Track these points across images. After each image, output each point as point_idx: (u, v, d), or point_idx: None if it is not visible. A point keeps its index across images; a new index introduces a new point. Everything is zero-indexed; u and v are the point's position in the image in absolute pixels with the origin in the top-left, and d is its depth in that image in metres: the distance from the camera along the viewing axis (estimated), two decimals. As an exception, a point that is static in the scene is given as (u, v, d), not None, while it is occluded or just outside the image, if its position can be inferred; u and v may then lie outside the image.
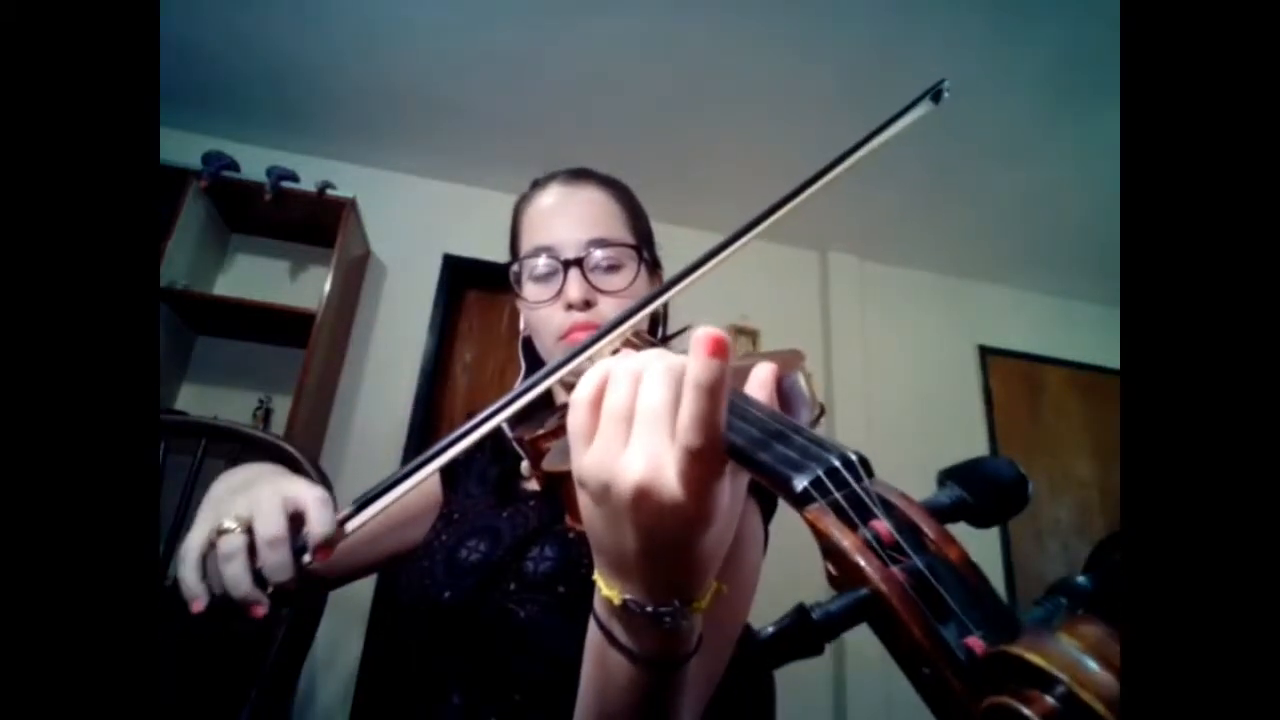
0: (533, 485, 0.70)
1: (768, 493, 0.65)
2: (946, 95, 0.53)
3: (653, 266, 0.74)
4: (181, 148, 2.22)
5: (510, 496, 0.70)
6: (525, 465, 0.69)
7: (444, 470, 0.77)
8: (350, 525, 0.41)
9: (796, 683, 2.17)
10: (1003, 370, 3.05)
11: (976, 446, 2.88)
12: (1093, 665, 0.16)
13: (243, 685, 0.82)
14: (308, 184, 2.25)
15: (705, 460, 0.29)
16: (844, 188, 2.87)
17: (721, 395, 0.28)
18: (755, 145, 2.38)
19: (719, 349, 0.28)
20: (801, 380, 0.38)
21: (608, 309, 0.66)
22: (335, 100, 2.29)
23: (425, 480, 0.41)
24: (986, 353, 3.06)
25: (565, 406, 0.60)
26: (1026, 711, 0.16)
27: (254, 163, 2.25)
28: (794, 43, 1.93)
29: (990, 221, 2.72)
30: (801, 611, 0.21)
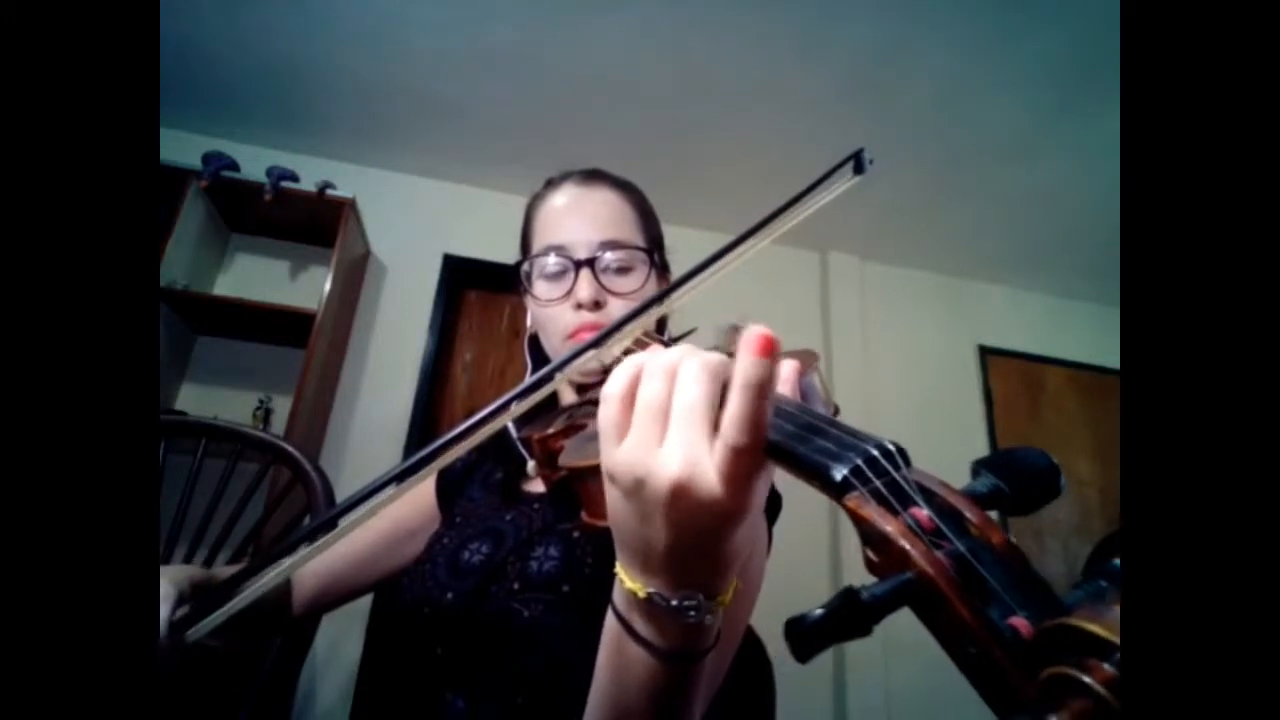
0: (537, 487, 0.70)
1: (771, 498, 0.65)
2: (871, 164, 0.52)
3: (663, 270, 0.74)
4: (181, 148, 2.23)
5: (514, 498, 0.70)
6: (531, 466, 0.69)
7: (440, 482, 0.78)
8: (190, 632, 0.39)
9: (796, 683, 2.17)
10: (1003, 370, 3.05)
11: (976, 446, 2.88)
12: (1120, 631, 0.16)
13: (242, 686, 0.82)
14: (308, 184, 2.25)
15: (748, 457, 0.29)
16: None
17: (769, 395, 0.28)
18: (755, 145, 2.38)
19: (769, 348, 0.28)
20: (817, 379, 0.38)
21: (616, 310, 0.66)
22: (335, 100, 2.29)
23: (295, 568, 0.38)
24: (986, 353, 3.06)
25: (573, 406, 0.60)
26: (1087, 680, 0.16)
27: (254, 163, 2.25)
28: (794, 42, 1.93)
29: (990, 221, 2.72)
30: (850, 593, 0.21)
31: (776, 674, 0.78)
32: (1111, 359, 3.19)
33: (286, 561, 0.37)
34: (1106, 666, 0.16)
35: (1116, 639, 0.16)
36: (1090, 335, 3.21)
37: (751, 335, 0.28)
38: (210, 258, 2.37)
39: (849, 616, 0.21)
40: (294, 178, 2.25)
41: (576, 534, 0.61)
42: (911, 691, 2.33)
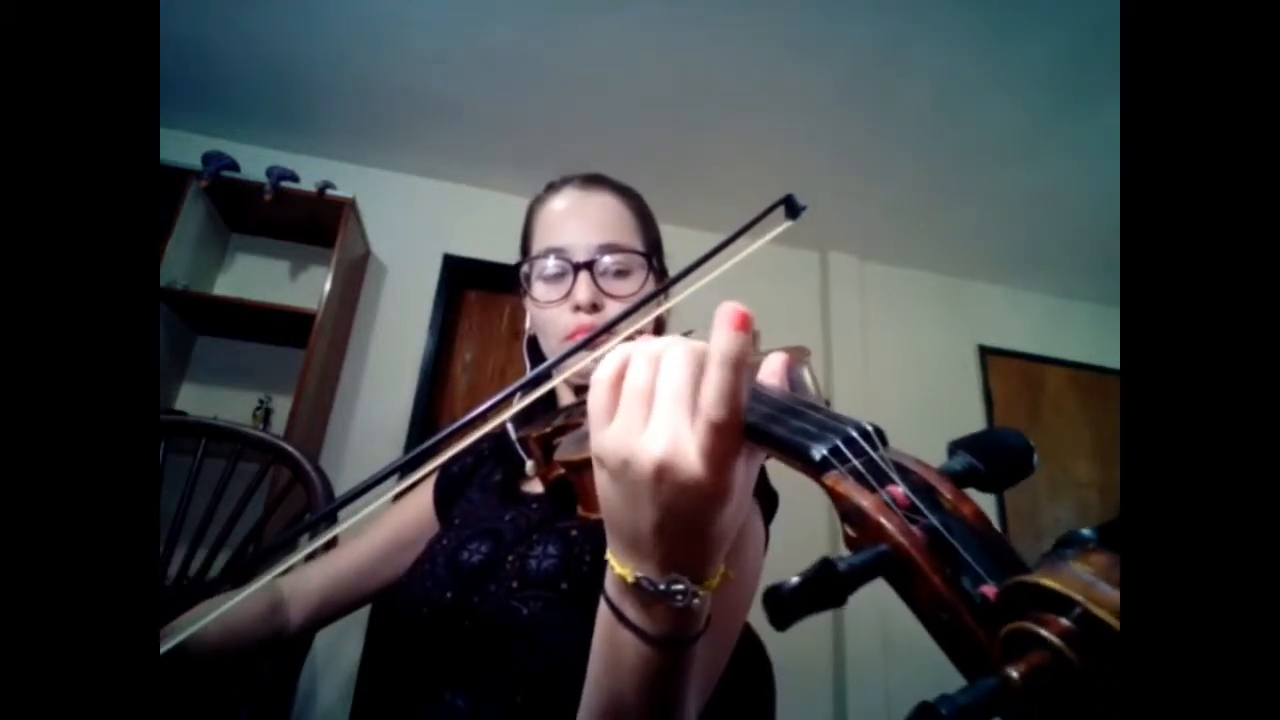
0: (536, 488, 0.70)
1: (767, 497, 0.65)
2: (804, 209, 0.52)
3: (661, 275, 0.75)
4: (181, 148, 2.22)
5: (513, 499, 0.70)
6: (530, 466, 0.69)
7: (438, 490, 0.79)
8: None
9: (796, 682, 2.16)
10: (1003, 370, 3.05)
11: (976, 446, 2.88)
12: (1106, 587, 0.17)
13: (242, 686, 0.82)
14: (308, 184, 2.25)
15: (726, 435, 0.29)
16: (845, 187, 2.83)
17: (745, 368, 0.29)
18: (755, 145, 2.38)
19: (744, 323, 0.29)
20: (808, 374, 0.38)
21: (614, 313, 0.67)
22: (335, 100, 2.29)
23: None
24: (986, 353, 3.06)
25: (570, 406, 0.60)
26: (1044, 633, 0.17)
27: (254, 163, 2.25)
28: (794, 42, 1.93)
29: (990, 221, 2.72)
30: (827, 563, 0.22)
31: (776, 674, 0.78)
32: (1111, 359, 3.19)
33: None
34: (1063, 620, 0.17)
35: (1071, 593, 0.17)
36: (1090, 335, 3.21)
37: (726, 310, 0.29)
38: (210, 258, 2.37)
39: (825, 585, 0.22)
40: (294, 178, 2.25)
41: (574, 532, 0.61)
42: (911, 691, 2.33)
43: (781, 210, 0.52)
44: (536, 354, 0.75)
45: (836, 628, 2.45)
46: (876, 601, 2.43)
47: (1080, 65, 1.93)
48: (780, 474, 0.68)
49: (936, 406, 2.88)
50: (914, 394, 2.88)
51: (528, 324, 0.75)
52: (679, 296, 0.52)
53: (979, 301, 3.16)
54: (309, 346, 2.06)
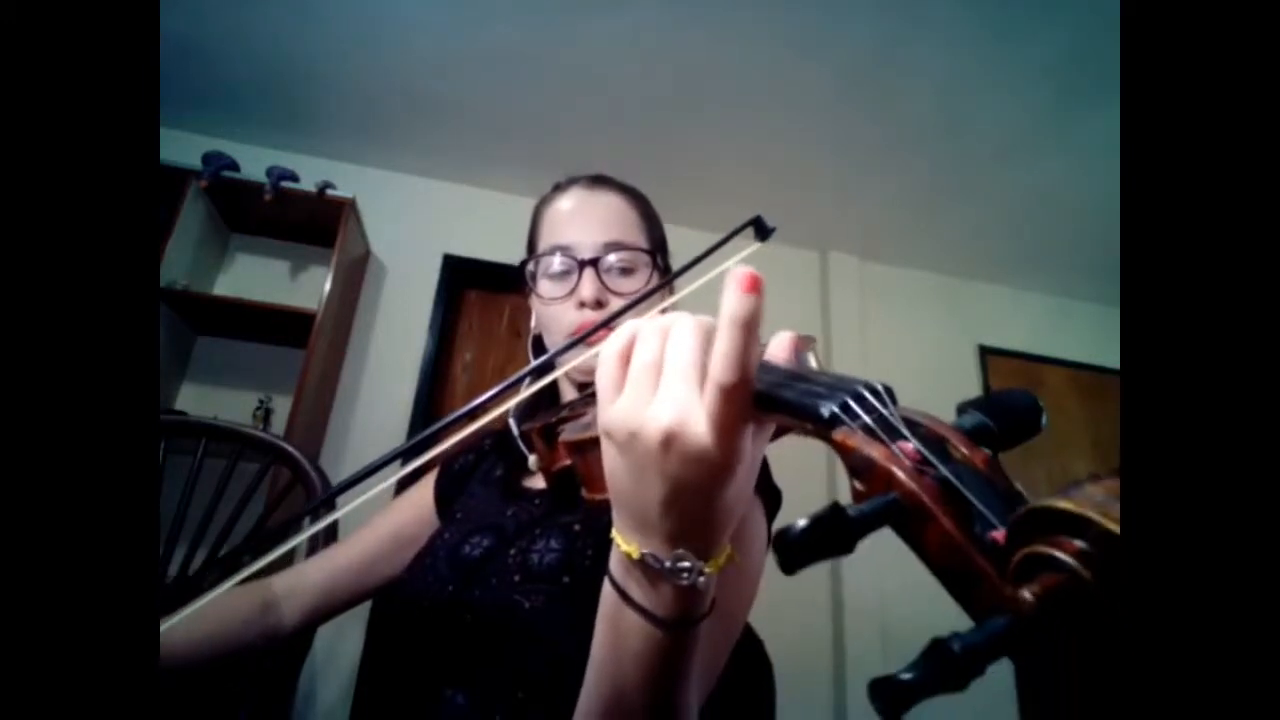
0: (538, 484, 0.70)
1: (771, 494, 0.65)
2: (774, 230, 0.53)
3: (665, 273, 0.75)
4: (181, 148, 2.22)
5: (515, 494, 0.71)
6: (533, 460, 0.70)
7: (439, 489, 0.79)
8: None
9: (796, 682, 2.17)
10: (1003, 370, 3.05)
11: (976, 446, 2.88)
12: (1120, 507, 0.17)
13: (242, 685, 0.82)
14: (308, 184, 2.25)
15: (734, 400, 0.29)
16: (844, 187, 2.82)
17: (756, 331, 0.29)
18: (755, 145, 2.38)
19: (754, 286, 0.29)
20: (813, 359, 0.39)
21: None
22: (335, 100, 2.29)
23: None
24: (986, 353, 3.05)
25: (573, 401, 0.60)
26: (1057, 553, 0.17)
27: (254, 163, 2.25)
28: (794, 42, 1.93)
29: (990, 221, 2.72)
30: (836, 507, 0.22)
31: (776, 674, 0.78)
32: (1111, 359, 3.19)
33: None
34: (1076, 542, 0.17)
35: (1084, 512, 0.17)
36: (1090, 335, 3.21)
37: (738, 273, 0.29)
38: (210, 258, 2.37)
39: (833, 529, 0.21)
40: (294, 178, 2.25)
41: (577, 527, 0.61)
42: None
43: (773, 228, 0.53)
44: (542, 352, 0.75)
45: (836, 628, 2.45)
46: (877, 600, 2.43)
47: (1080, 65, 1.93)
48: (782, 477, 0.67)
49: (936, 406, 2.82)
50: (914, 394, 2.80)
51: (533, 323, 0.75)
52: (681, 294, 0.52)
53: (979, 301, 3.15)
54: (309, 346, 2.06)
